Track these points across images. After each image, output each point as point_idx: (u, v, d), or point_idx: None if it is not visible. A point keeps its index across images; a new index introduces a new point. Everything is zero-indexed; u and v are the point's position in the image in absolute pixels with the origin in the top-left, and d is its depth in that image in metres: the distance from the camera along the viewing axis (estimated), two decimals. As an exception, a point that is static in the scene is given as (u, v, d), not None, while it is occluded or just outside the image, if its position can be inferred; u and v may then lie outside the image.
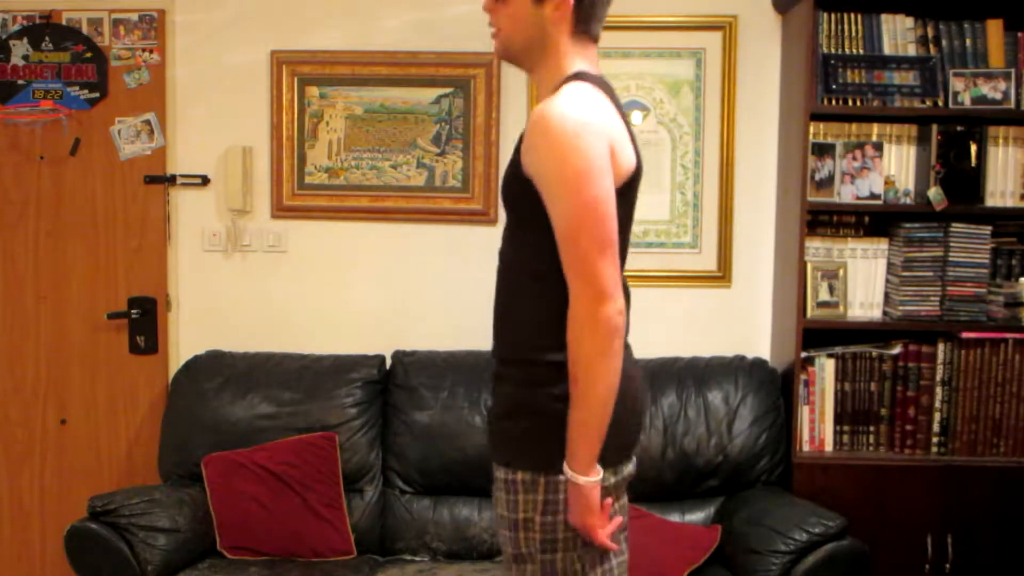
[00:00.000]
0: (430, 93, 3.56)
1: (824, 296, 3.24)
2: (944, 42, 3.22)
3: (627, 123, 1.87)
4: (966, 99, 3.17)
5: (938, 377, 3.22)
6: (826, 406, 3.25)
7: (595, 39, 1.90)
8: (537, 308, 1.81)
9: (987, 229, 3.18)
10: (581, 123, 1.71)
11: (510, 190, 1.84)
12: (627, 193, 1.83)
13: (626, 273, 1.88)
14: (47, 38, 3.59)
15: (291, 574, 3.03)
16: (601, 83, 1.85)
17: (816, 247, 3.27)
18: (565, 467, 1.78)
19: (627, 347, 1.86)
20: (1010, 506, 3.11)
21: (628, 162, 1.81)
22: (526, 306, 1.83)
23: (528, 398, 1.82)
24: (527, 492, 1.82)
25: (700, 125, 3.54)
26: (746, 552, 2.92)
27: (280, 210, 3.62)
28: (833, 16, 3.23)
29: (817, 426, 3.26)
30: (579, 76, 1.82)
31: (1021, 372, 3.19)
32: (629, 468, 1.92)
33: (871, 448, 3.26)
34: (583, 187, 1.70)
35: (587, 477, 1.77)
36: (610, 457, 1.82)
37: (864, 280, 3.27)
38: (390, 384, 3.42)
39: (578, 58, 1.86)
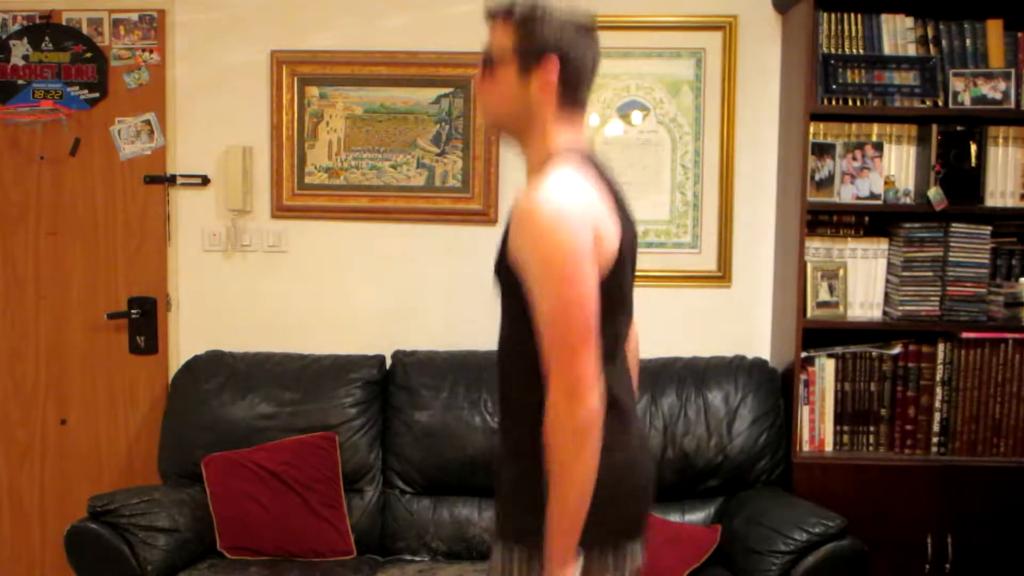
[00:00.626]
0: (430, 93, 3.56)
1: (824, 296, 3.24)
2: (944, 42, 3.22)
3: (616, 195, 1.85)
4: (966, 99, 3.17)
5: (938, 377, 3.22)
6: (826, 406, 3.25)
7: (583, 105, 1.89)
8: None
9: (987, 229, 3.18)
10: (563, 214, 1.70)
11: (504, 279, 1.82)
12: (619, 269, 1.80)
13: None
14: (47, 38, 3.59)
15: (291, 574, 3.03)
16: (587, 159, 1.84)
17: (816, 247, 3.27)
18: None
19: (628, 418, 1.85)
20: (1010, 506, 3.11)
21: (612, 245, 1.78)
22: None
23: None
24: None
25: (700, 125, 3.54)
26: (746, 552, 2.92)
27: (280, 210, 3.62)
28: (833, 16, 3.23)
29: (817, 426, 3.26)
30: (564, 156, 1.80)
31: (1021, 372, 3.19)
32: (634, 549, 1.87)
33: (871, 448, 3.25)
34: (564, 280, 1.69)
35: (562, 571, 1.74)
36: (606, 538, 1.80)
37: (864, 280, 3.27)
38: (390, 384, 3.42)
39: (564, 131, 1.84)
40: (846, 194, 3.22)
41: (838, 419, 3.25)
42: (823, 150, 3.21)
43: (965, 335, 3.18)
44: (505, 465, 1.89)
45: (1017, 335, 3.18)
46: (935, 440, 3.22)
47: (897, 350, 3.23)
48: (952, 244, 3.18)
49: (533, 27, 1.81)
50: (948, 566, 3.11)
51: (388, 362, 3.49)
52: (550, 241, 1.69)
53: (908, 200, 3.23)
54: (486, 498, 3.22)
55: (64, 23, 3.59)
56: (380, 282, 3.61)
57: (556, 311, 1.70)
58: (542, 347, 1.72)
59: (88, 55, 3.58)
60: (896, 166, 3.25)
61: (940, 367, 3.21)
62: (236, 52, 3.59)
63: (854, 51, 3.23)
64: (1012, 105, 3.17)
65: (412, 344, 3.51)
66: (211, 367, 3.45)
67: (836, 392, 3.25)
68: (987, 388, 3.20)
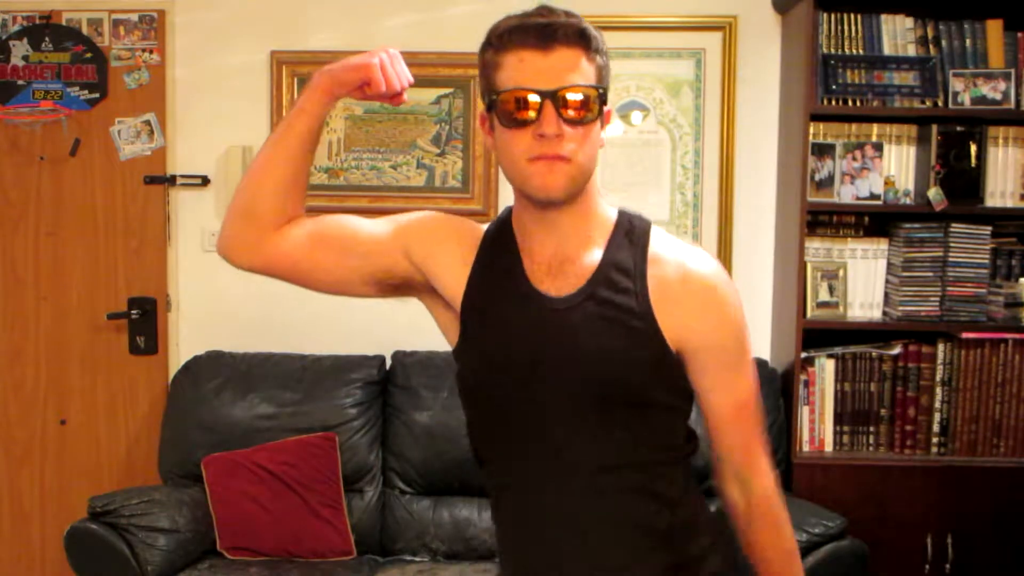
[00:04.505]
0: (430, 93, 3.56)
1: (824, 296, 3.24)
2: (944, 42, 3.22)
3: None
4: (966, 99, 3.17)
5: (938, 377, 3.22)
6: (826, 406, 3.25)
7: None
8: None
9: (987, 229, 3.18)
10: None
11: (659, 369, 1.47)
12: None
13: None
14: (47, 38, 3.59)
15: (291, 574, 3.03)
16: None
17: (816, 247, 3.27)
18: None
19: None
20: (1010, 506, 3.11)
21: None
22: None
23: None
24: None
25: (700, 125, 3.54)
26: (746, 552, 2.91)
27: (280, 210, 3.61)
28: (833, 16, 3.23)
29: (817, 426, 3.26)
30: (640, 217, 1.55)
31: (1021, 372, 3.19)
32: None
33: (871, 448, 3.25)
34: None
35: None
36: None
37: (864, 280, 3.27)
38: (390, 384, 3.42)
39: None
40: (846, 194, 3.22)
41: (838, 419, 3.25)
42: (823, 150, 3.21)
43: (965, 335, 3.18)
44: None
45: (1017, 335, 3.18)
46: (935, 440, 3.22)
47: (897, 350, 3.23)
48: (952, 244, 3.18)
49: (607, 61, 1.46)
50: (948, 566, 3.11)
51: (388, 362, 3.49)
52: (742, 315, 1.55)
53: (908, 200, 3.23)
54: (486, 498, 3.21)
55: (64, 23, 3.58)
56: (380, 282, 3.61)
57: (754, 387, 1.55)
58: (740, 428, 1.52)
59: (88, 55, 3.58)
60: (896, 166, 3.24)
61: (940, 367, 3.21)
62: (236, 52, 3.59)
63: (854, 51, 3.22)
64: (1012, 105, 3.17)
65: (412, 344, 3.51)
66: (211, 367, 3.44)
67: (836, 392, 3.25)
68: (987, 388, 3.20)
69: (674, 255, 1.50)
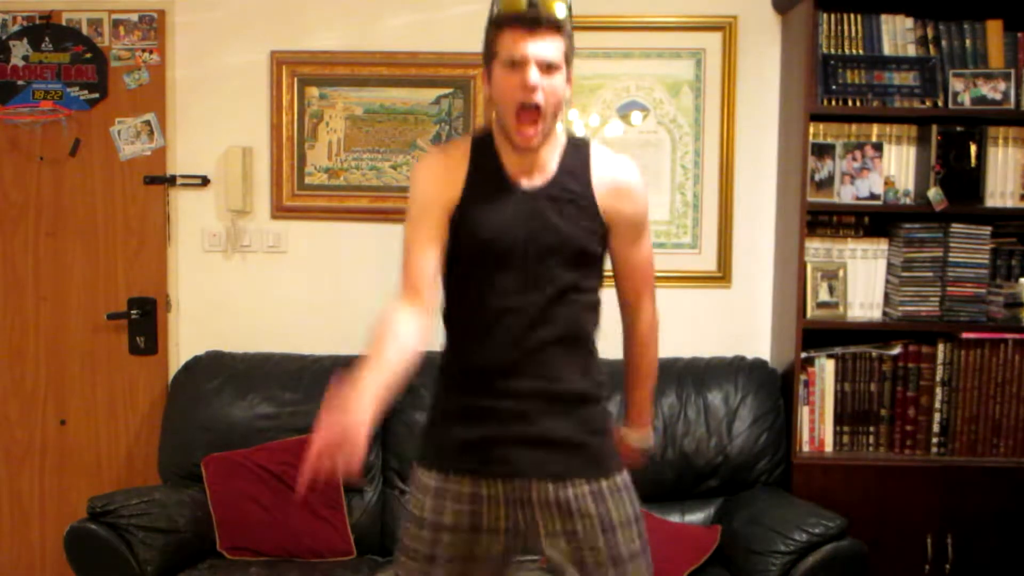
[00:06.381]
0: (430, 94, 3.56)
1: (824, 296, 3.24)
2: (944, 42, 3.22)
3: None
4: (966, 99, 3.17)
5: (938, 377, 3.22)
6: (826, 406, 3.25)
7: None
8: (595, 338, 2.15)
9: (987, 229, 3.18)
10: None
11: (597, 236, 2.10)
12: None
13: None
14: (47, 39, 3.59)
15: (291, 574, 3.03)
16: None
17: (816, 247, 3.27)
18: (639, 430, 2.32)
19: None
20: (1010, 506, 3.11)
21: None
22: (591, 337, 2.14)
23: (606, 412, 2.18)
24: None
25: (700, 125, 3.54)
26: (746, 552, 2.92)
27: (280, 210, 3.62)
28: (833, 16, 3.23)
29: (817, 426, 3.26)
30: (583, 137, 2.22)
31: (1021, 372, 3.19)
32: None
33: (871, 448, 3.26)
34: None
35: None
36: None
37: (864, 280, 3.27)
38: (390, 384, 3.42)
39: None
40: (846, 194, 3.22)
41: (838, 419, 3.25)
42: (823, 150, 3.21)
43: (965, 335, 3.18)
44: (594, 403, 2.14)
45: (1017, 335, 3.18)
46: (935, 440, 3.22)
47: (897, 350, 3.23)
48: (952, 244, 3.18)
49: (572, 33, 2.07)
50: (948, 566, 3.11)
51: (388, 362, 3.48)
52: (648, 205, 2.18)
53: (908, 200, 3.23)
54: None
55: (64, 23, 3.59)
56: (380, 282, 3.60)
57: (649, 254, 2.21)
58: (637, 281, 2.18)
59: (88, 55, 3.58)
60: (896, 166, 3.25)
61: (940, 367, 3.21)
62: (236, 52, 3.59)
63: (854, 51, 3.23)
64: (1012, 105, 3.17)
65: (412, 344, 3.51)
66: (211, 367, 3.45)
67: (836, 392, 3.25)
68: (987, 388, 3.20)
69: (609, 162, 2.13)
